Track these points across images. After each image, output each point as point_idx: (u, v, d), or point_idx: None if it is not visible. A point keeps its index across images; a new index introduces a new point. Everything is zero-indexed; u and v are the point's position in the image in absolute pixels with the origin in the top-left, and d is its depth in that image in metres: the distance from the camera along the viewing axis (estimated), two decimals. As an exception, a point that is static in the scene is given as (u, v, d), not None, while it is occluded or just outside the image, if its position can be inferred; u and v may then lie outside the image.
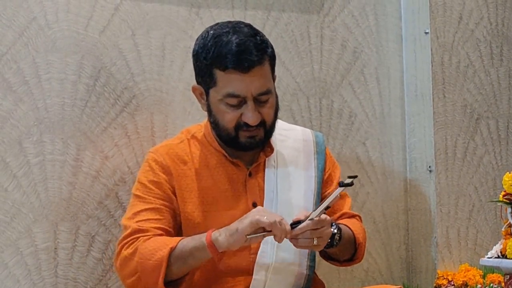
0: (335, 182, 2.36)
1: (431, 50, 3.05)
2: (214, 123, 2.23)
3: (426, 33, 3.04)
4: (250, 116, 2.17)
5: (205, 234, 2.08)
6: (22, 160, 2.34)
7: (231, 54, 2.14)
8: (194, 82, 2.60)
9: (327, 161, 2.37)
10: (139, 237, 2.15)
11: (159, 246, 2.10)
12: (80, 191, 2.42)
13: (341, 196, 2.38)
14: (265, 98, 2.19)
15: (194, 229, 2.22)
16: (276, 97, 2.26)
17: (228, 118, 2.18)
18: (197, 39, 2.24)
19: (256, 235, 2.04)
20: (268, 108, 2.21)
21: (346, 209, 2.39)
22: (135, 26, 2.53)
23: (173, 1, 2.60)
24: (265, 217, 2.03)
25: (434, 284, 2.95)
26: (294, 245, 2.10)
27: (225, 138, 2.22)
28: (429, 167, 3.03)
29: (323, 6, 2.91)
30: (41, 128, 2.37)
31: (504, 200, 2.30)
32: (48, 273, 2.37)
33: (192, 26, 2.62)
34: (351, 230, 2.30)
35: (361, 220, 2.42)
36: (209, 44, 2.18)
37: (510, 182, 2.28)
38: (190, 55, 2.59)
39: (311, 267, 2.29)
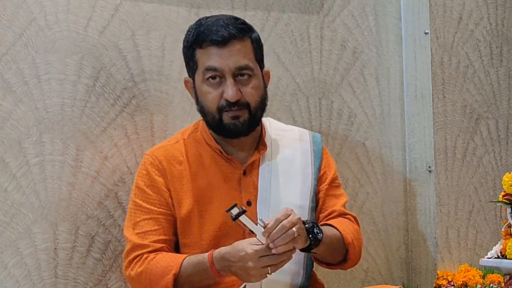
0: (327, 181, 2.35)
1: (431, 50, 3.05)
2: (201, 111, 2.24)
3: (426, 33, 3.04)
4: (229, 91, 2.17)
5: (209, 267, 2.10)
6: (22, 160, 2.34)
7: (208, 30, 2.18)
8: (193, 83, 2.61)
9: (323, 160, 2.36)
10: (142, 254, 2.19)
11: (164, 270, 2.13)
12: (79, 191, 2.42)
13: (335, 196, 2.37)
14: (245, 73, 2.20)
15: (189, 228, 2.23)
16: (265, 86, 2.27)
17: (210, 98, 2.19)
18: None
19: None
20: (250, 88, 2.20)
21: (337, 207, 2.34)
22: (135, 26, 2.53)
23: (173, 2, 2.60)
24: (269, 271, 2.03)
25: (434, 285, 2.95)
26: (278, 248, 2.03)
27: (211, 124, 2.23)
28: (429, 167, 3.03)
29: (323, 7, 2.91)
30: (40, 129, 2.37)
31: (504, 200, 2.30)
32: (48, 274, 2.37)
33: (192, 27, 2.62)
34: (337, 229, 2.24)
35: (355, 220, 2.36)
36: (192, 29, 2.24)
37: (510, 182, 2.27)
38: (190, 55, 2.61)
39: (308, 265, 2.28)
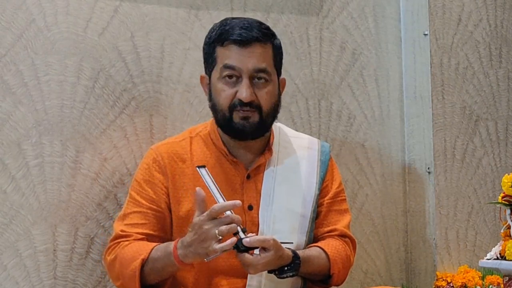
0: (330, 194, 2.35)
1: (430, 52, 3.05)
2: (213, 107, 2.25)
3: (425, 35, 3.04)
4: (244, 91, 2.18)
5: (172, 251, 2.10)
6: (21, 162, 2.34)
7: (232, 29, 2.20)
8: (193, 84, 2.61)
9: (328, 172, 2.36)
10: (120, 242, 2.21)
11: (133, 255, 2.15)
12: (79, 193, 2.42)
13: (339, 211, 2.35)
14: (262, 77, 2.20)
15: (187, 227, 2.21)
16: (279, 94, 2.28)
17: (224, 95, 2.20)
18: None
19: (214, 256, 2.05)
20: (265, 93, 2.21)
21: (339, 226, 2.33)
22: (134, 28, 2.53)
23: (172, 3, 2.60)
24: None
25: (433, 286, 2.95)
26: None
27: (221, 122, 2.23)
28: (428, 168, 3.03)
29: (322, 8, 2.92)
30: (40, 130, 2.37)
31: (503, 201, 2.30)
32: (47, 275, 2.37)
33: (191, 28, 2.62)
34: (329, 260, 2.25)
35: (353, 244, 2.35)
36: (216, 26, 2.25)
37: (509, 183, 2.28)
38: (189, 57, 2.61)
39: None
